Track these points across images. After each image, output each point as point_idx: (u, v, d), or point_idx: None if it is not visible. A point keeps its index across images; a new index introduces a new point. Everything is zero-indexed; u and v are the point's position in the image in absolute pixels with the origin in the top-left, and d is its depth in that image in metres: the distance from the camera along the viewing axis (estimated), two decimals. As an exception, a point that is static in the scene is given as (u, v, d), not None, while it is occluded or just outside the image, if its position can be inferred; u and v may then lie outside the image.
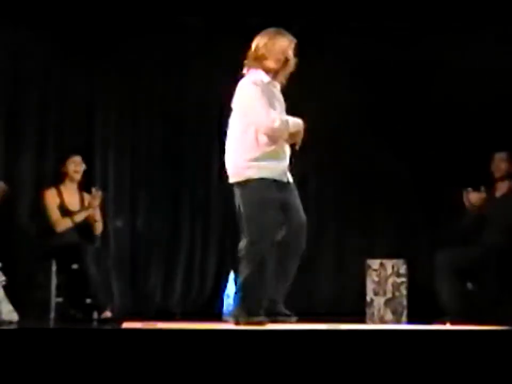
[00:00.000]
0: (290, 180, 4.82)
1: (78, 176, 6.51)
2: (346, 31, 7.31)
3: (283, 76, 4.80)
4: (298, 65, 4.78)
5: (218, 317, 7.11)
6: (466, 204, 6.17)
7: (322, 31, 7.26)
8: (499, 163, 6.24)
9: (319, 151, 7.07)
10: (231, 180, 4.76)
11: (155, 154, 7.48)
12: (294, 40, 4.78)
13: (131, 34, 7.21)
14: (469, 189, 6.13)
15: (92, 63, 7.12)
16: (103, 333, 3.56)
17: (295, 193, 4.81)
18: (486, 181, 6.22)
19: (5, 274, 5.64)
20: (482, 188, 6.11)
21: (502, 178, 6.23)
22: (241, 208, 4.69)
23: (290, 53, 4.75)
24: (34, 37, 6.78)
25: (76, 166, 6.49)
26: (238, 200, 4.74)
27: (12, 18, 6.66)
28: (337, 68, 7.32)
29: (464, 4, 6.97)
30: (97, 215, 6.52)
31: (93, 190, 6.49)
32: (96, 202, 6.46)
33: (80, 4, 6.83)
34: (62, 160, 6.53)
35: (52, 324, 5.78)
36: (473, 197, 6.12)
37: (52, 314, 6.14)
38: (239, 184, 4.71)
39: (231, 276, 7.26)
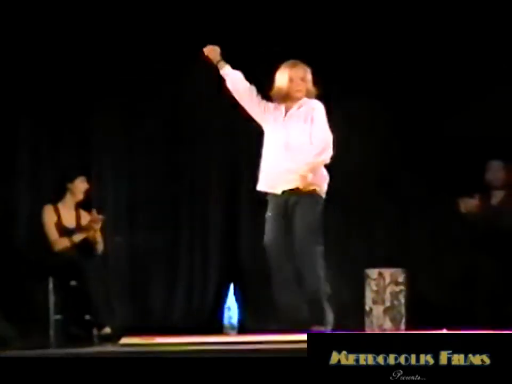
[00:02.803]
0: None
1: (82, 196, 6.54)
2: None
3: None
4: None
5: (220, 330, 7.13)
6: (462, 211, 6.18)
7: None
8: (497, 172, 6.23)
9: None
10: None
11: (154, 169, 7.46)
12: (296, 69, 5.23)
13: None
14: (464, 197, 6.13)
15: (89, 84, 7.10)
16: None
17: None
18: (480, 188, 6.22)
19: (2, 292, 5.66)
20: (477, 196, 6.09)
21: (498, 187, 6.23)
22: None
23: (286, 85, 5.23)
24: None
25: (84, 185, 6.52)
26: None
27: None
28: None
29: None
30: (98, 237, 6.53)
31: (93, 212, 6.49)
32: (97, 225, 6.47)
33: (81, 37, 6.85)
34: (68, 179, 6.51)
35: (51, 341, 5.80)
36: (467, 204, 6.11)
37: (51, 332, 6.14)
38: None
39: (231, 288, 7.27)
